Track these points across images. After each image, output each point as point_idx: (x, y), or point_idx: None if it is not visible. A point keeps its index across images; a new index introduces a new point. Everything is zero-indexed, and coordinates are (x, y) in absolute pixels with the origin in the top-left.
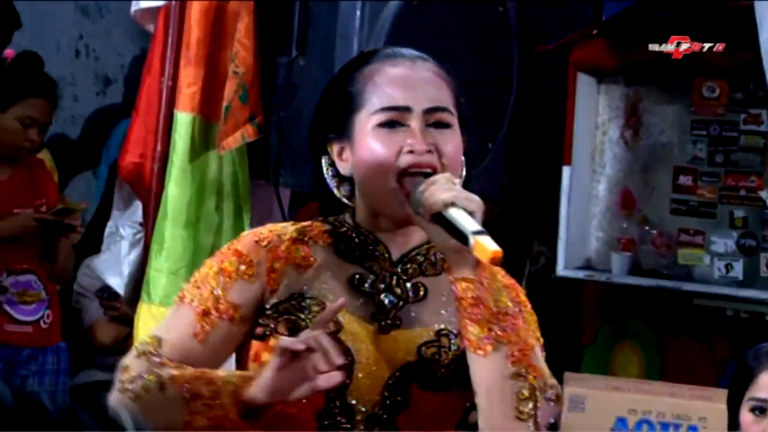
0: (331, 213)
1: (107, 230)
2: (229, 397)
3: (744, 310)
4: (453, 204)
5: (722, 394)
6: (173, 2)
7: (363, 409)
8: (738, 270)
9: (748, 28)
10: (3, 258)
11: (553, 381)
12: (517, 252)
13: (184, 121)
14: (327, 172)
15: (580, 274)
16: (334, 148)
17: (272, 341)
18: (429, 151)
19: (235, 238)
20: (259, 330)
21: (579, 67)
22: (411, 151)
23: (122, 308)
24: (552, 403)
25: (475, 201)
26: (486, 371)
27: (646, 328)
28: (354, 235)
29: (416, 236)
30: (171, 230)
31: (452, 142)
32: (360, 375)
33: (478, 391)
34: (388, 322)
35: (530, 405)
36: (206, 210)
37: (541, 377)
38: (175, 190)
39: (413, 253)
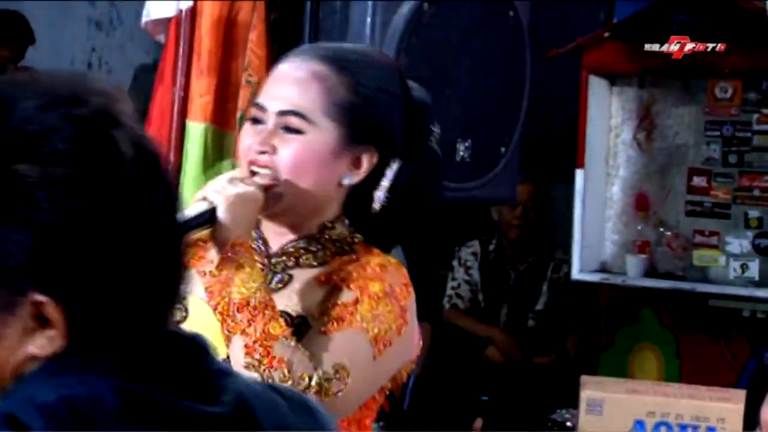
0: None
1: None
2: None
3: (761, 310)
4: (204, 198)
5: (741, 394)
6: (183, 13)
7: None
8: (754, 270)
9: (760, 28)
10: None
11: (322, 370)
12: (540, 257)
13: (196, 131)
14: None
15: (596, 278)
16: None
17: None
18: (263, 152)
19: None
20: None
21: (591, 70)
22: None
23: None
24: (317, 395)
25: (222, 194)
26: (231, 359)
27: (663, 330)
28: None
29: (297, 229)
30: None
31: (294, 148)
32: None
33: None
34: None
35: None
36: None
37: (282, 368)
38: (189, 200)
39: (288, 246)
